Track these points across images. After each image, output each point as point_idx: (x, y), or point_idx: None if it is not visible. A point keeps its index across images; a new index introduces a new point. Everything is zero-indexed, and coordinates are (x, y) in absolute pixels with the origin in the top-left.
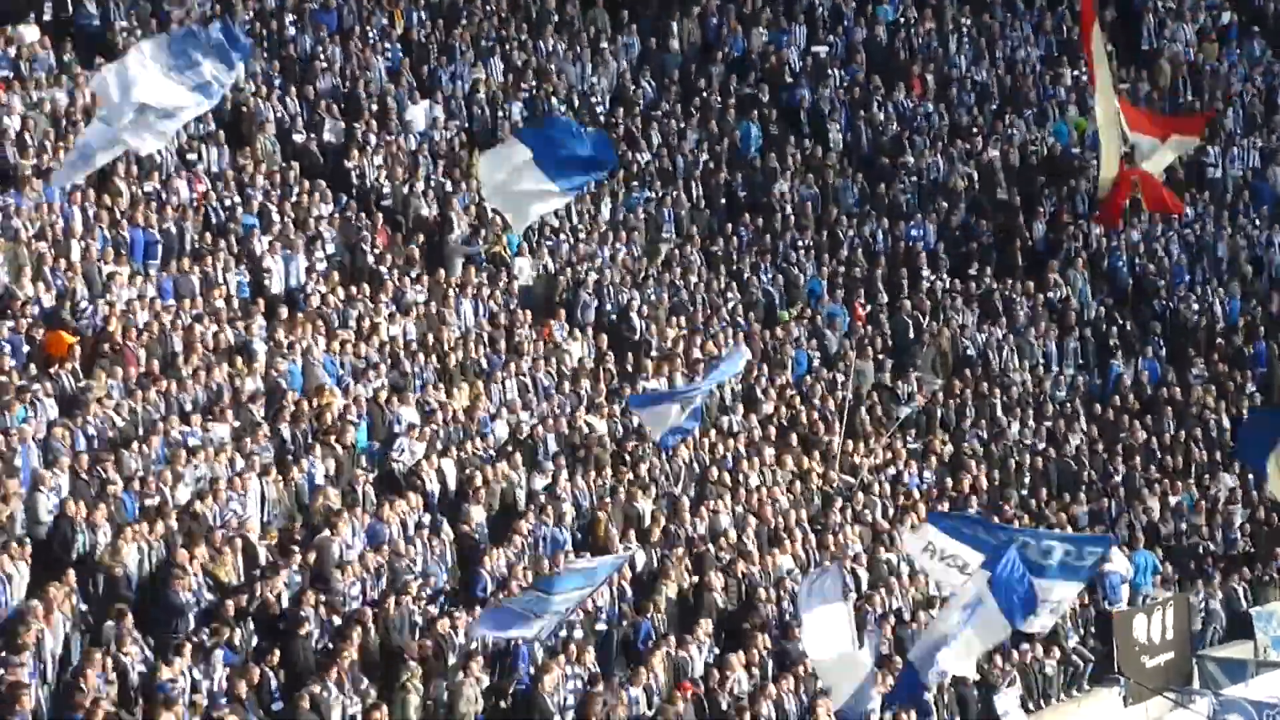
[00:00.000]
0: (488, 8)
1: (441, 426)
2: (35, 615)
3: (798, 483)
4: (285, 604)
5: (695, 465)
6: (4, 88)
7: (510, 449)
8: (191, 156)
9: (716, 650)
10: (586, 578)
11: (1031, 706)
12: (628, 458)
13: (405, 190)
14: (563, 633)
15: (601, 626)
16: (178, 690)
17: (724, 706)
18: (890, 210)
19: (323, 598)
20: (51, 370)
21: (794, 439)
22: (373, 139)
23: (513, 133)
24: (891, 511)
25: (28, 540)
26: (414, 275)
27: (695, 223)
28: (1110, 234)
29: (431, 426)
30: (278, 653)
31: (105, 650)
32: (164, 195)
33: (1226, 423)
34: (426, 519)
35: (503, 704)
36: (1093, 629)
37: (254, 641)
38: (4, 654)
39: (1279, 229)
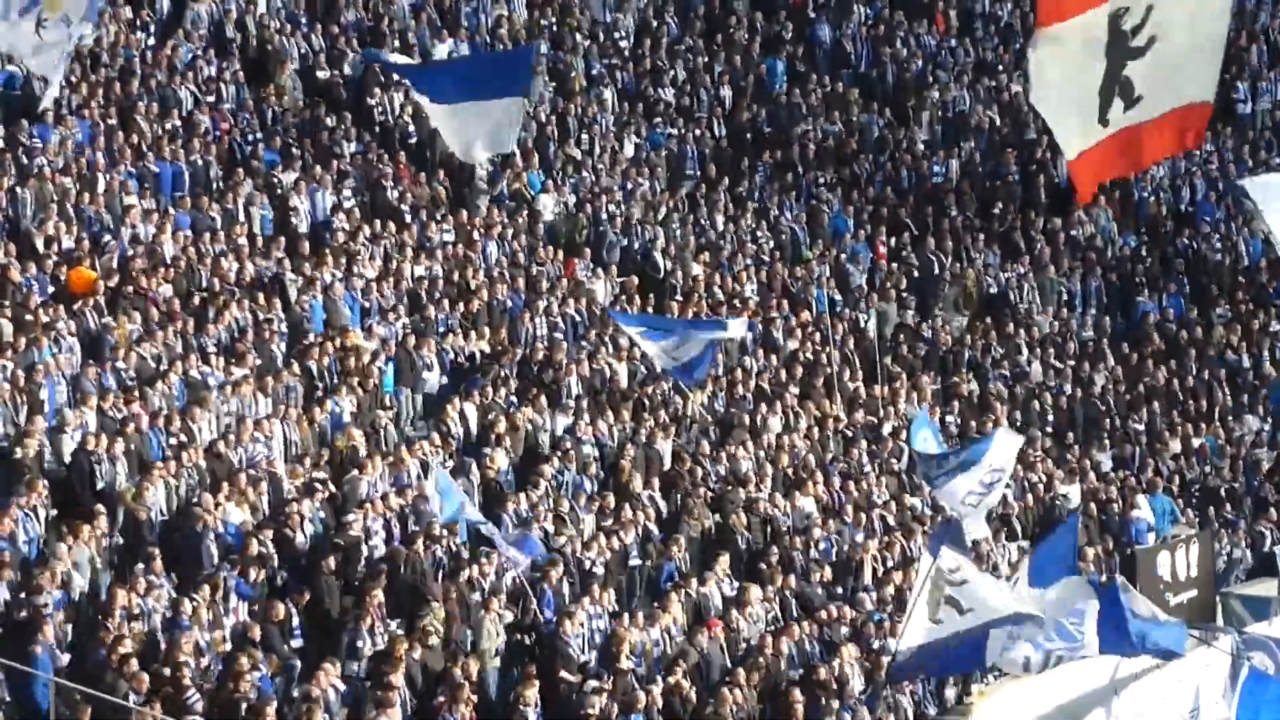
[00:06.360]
0: None
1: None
2: (61, 555)
3: (816, 428)
4: (309, 542)
5: (716, 407)
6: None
7: (534, 392)
8: (211, 99)
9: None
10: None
11: None
12: (647, 401)
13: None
14: (588, 566)
15: (634, 561)
16: (198, 628)
17: (743, 643)
18: (913, 147)
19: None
20: (76, 308)
21: (819, 381)
22: (396, 75)
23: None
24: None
25: (44, 480)
26: (440, 215)
27: (718, 160)
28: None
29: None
30: (305, 592)
31: (130, 590)
32: (186, 132)
33: (1249, 364)
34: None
35: (526, 641)
36: (1116, 567)
37: (279, 580)
38: (29, 590)
39: None
